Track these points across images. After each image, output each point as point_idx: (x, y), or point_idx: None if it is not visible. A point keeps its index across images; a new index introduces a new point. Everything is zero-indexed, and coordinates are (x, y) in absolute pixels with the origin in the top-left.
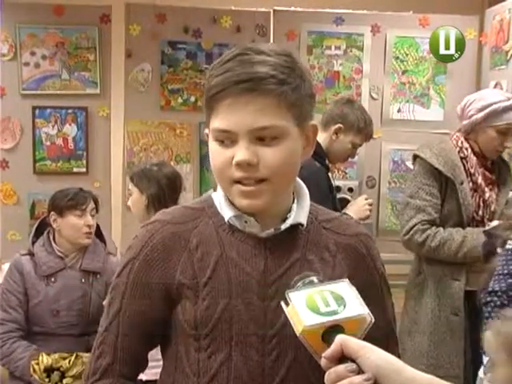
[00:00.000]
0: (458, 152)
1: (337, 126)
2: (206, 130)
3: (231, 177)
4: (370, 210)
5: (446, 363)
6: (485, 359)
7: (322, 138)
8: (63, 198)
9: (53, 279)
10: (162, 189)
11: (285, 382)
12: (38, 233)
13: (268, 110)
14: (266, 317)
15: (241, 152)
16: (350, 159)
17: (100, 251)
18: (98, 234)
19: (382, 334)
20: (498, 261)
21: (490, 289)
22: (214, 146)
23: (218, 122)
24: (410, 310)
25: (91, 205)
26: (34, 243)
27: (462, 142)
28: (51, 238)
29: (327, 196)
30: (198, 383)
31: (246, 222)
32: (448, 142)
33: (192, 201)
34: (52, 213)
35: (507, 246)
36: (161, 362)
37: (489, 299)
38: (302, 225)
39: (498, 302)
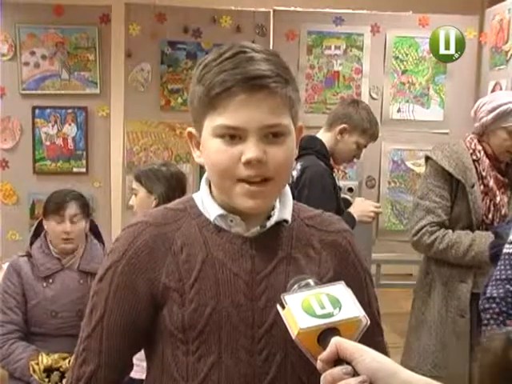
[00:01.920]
0: (471, 154)
1: (341, 126)
2: (190, 129)
3: (237, 175)
4: (373, 218)
5: (452, 364)
6: None
7: (326, 137)
8: (48, 201)
9: (51, 280)
10: (172, 189)
11: (275, 381)
12: (37, 233)
13: (276, 108)
14: (255, 316)
15: (252, 150)
16: (354, 160)
17: (98, 252)
18: (97, 234)
19: (369, 328)
20: (497, 265)
21: (487, 294)
22: (215, 144)
23: (225, 118)
24: (418, 310)
25: (72, 210)
26: (32, 244)
27: (475, 145)
28: (48, 239)
29: (332, 196)
30: None
31: (231, 221)
32: (461, 144)
33: (173, 202)
34: (42, 214)
35: (505, 250)
36: None
37: (487, 306)
38: (287, 221)
39: (497, 309)
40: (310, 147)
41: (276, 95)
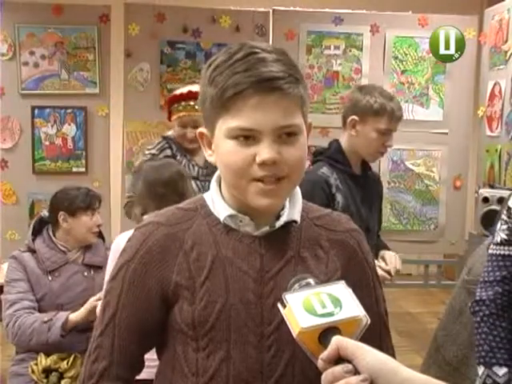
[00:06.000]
0: None
1: (350, 118)
2: (202, 129)
3: (252, 175)
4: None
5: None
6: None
7: (345, 138)
8: (75, 199)
9: (56, 274)
10: (142, 197)
11: (283, 378)
12: (35, 231)
13: (289, 108)
14: (263, 314)
15: (266, 151)
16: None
17: (100, 246)
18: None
19: (376, 328)
20: (484, 267)
21: (477, 297)
22: (229, 145)
23: (240, 121)
24: (459, 297)
25: (97, 205)
26: (33, 241)
27: None
28: (51, 234)
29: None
30: (196, 383)
31: (240, 221)
32: None
33: (184, 202)
34: (62, 212)
35: (489, 251)
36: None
37: (477, 308)
38: (296, 222)
39: (487, 311)
40: (322, 153)
41: (288, 96)
